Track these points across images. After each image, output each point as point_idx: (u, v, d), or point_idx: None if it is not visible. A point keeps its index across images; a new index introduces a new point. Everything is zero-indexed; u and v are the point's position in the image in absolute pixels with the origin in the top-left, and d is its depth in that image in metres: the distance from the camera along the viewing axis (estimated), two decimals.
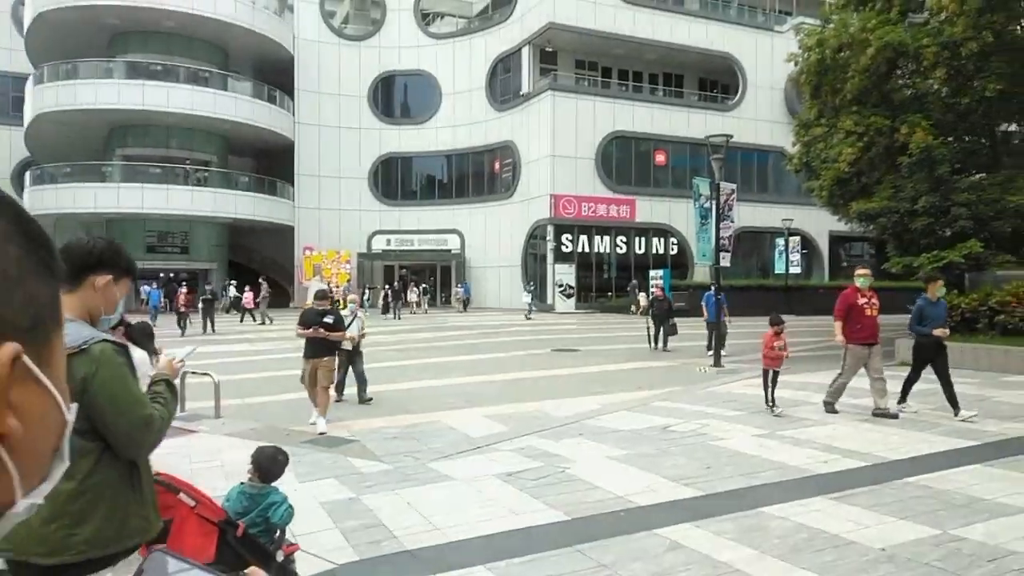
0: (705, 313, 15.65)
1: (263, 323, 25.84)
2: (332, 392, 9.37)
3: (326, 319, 8.69)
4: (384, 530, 4.87)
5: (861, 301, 8.71)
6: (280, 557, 3.08)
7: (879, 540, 4.44)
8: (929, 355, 8.66)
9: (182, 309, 22.18)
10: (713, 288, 15.99)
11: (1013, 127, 17.74)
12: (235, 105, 34.23)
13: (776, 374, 9.00)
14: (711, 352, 15.10)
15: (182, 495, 2.64)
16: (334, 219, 38.23)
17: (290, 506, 3.45)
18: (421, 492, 5.78)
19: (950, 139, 16.13)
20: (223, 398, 9.67)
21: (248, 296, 27.29)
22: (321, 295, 9.25)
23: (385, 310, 30.58)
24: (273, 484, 3.53)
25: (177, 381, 2.31)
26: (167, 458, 7.13)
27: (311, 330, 8.70)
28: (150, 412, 2.06)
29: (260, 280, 27.95)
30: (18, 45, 37.02)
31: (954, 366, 10.80)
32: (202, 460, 7.03)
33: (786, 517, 4.95)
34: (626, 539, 4.59)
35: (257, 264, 39.85)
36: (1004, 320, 12.56)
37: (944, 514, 4.91)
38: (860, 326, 8.62)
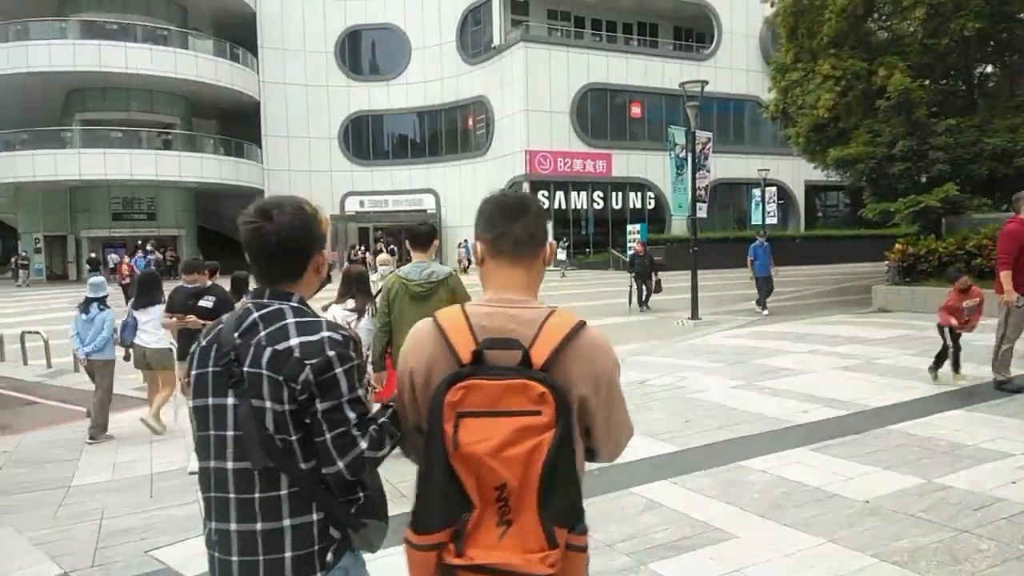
0: (752, 268, 14.80)
1: None
2: None
3: (202, 302, 5.99)
4: None
5: None
6: None
7: (863, 492, 4.27)
8: None
9: (126, 280, 20.52)
10: (761, 237, 15.29)
11: (989, 69, 17.51)
12: (197, 64, 33.01)
13: (958, 337, 7.13)
14: (764, 310, 14.47)
15: None
16: (304, 181, 37.32)
17: None
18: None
19: (927, 82, 15.87)
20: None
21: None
22: (190, 267, 6.57)
23: None
24: None
25: None
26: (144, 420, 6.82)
27: (175, 320, 6.14)
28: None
29: None
30: None
31: (932, 310, 10.75)
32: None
33: (766, 471, 4.78)
34: (602, 499, 4.38)
35: (228, 230, 39.01)
36: (981, 263, 12.46)
37: (928, 462, 4.76)
38: None
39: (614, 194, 34.91)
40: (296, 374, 1.51)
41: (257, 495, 1.55)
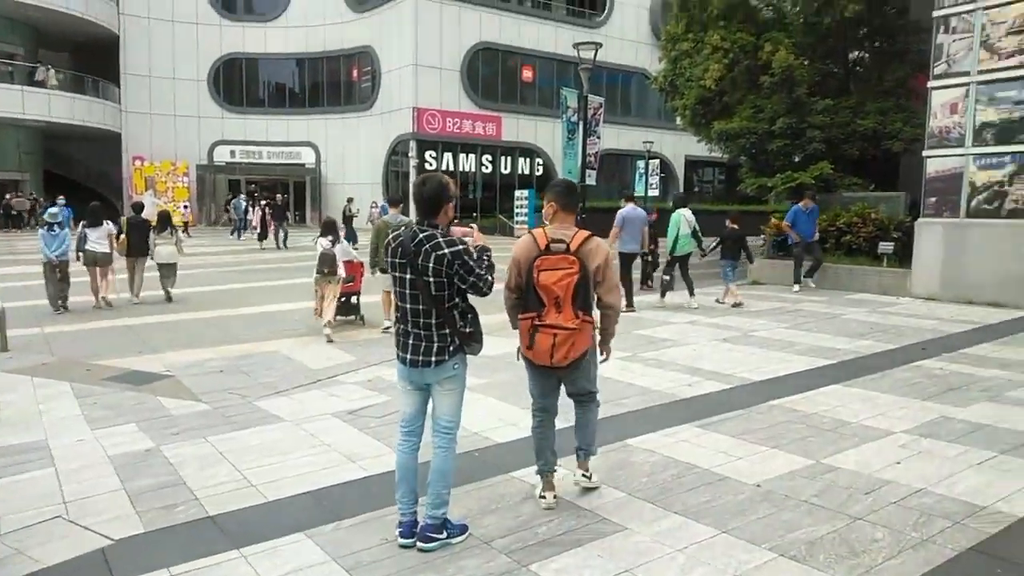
0: (795, 234, 12.04)
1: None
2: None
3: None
4: (184, 490, 3.94)
5: None
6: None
7: (753, 474, 4.06)
8: None
9: None
10: (803, 202, 12.09)
11: (860, 54, 18.25)
12: None
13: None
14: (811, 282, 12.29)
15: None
16: (168, 126, 34.34)
17: None
18: (240, 438, 4.85)
19: (807, 61, 16.30)
20: (10, 327, 8.12)
21: None
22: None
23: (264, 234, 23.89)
24: None
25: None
26: None
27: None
28: None
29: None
30: None
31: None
32: None
33: (653, 450, 4.52)
34: (480, 486, 3.96)
35: (78, 175, 35.35)
36: (849, 240, 13.00)
37: (814, 441, 4.64)
38: None
39: (503, 158, 34.42)
40: (451, 266, 3.16)
41: (422, 320, 3.24)
